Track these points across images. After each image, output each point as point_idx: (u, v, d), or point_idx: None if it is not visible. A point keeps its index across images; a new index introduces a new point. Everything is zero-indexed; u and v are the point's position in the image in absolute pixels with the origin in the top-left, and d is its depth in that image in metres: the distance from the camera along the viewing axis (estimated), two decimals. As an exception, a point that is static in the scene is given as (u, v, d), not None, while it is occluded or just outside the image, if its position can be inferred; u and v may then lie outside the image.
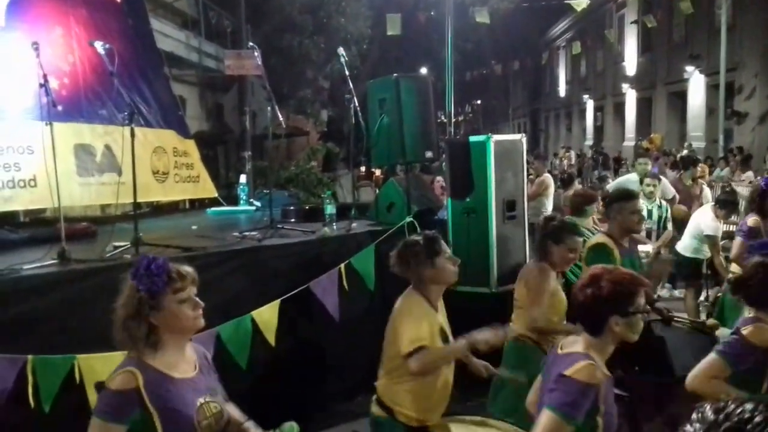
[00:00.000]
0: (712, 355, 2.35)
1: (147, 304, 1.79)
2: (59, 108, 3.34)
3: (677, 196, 6.34)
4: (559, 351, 2.03)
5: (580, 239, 3.28)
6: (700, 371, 2.34)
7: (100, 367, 2.64)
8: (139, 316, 1.79)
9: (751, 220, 4.13)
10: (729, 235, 5.97)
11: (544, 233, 3.21)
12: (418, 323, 2.53)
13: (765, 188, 4.12)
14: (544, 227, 3.26)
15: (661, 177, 6.43)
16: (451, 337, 2.68)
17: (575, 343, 2.01)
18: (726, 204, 5.44)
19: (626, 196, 3.51)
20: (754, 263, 2.46)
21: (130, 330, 1.79)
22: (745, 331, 2.34)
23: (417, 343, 2.48)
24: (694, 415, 0.96)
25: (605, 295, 1.95)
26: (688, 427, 0.96)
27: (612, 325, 1.94)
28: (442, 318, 2.70)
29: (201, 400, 1.84)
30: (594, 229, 4.65)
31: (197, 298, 1.87)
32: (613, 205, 3.42)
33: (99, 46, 3.66)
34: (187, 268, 1.88)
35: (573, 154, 23.77)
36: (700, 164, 9.07)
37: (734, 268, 4.19)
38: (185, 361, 1.89)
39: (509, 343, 3.12)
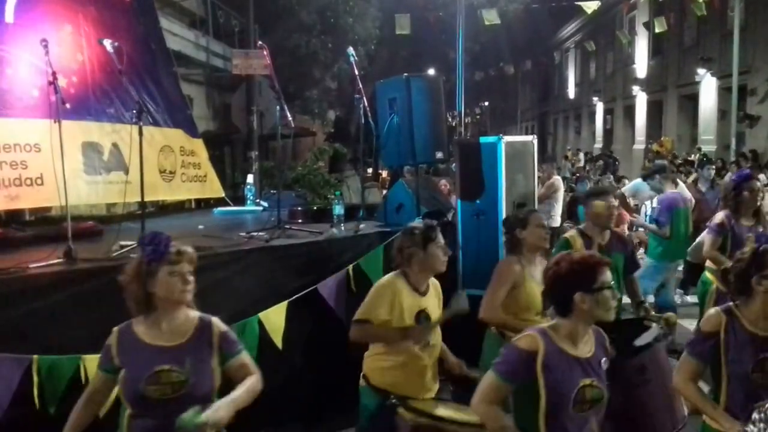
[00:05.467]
0: (683, 354, 2.34)
1: (145, 271, 2.01)
2: (67, 106, 3.31)
3: (693, 200, 6.20)
4: None
5: (541, 214, 3.46)
6: (678, 371, 2.33)
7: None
8: (137, 280, 2.03)
9: (720, 216, 4.10)
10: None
11: (509, 227, 3.29)
12: (378, 300, 2.77)
13: (737, 184, 4.06)
14: (507, 222, 3.37)
15: (678, 181, 6.31)
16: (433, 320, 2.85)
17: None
18: None
19: (598, 192, 3.69)
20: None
21: (129, 292, 2.04)
22: (702, 324, 2.32)
23: (363, 316, 2.77)
24: (755, 415, 0.94)
25: (565, 274, 2.00)
26: (751, 427, 0.94)
27: (578, 303, 1.97)
28: (430, 301, 2.86)
29: (163, 366, 1.97)
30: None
31: (190, 277, 2.06)
32: (586, 202, 3.59)
33: (108, 44, 3.64)
34: (188, 248, 2.09)
35: (582, 156, 23.61)
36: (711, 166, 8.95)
37: (710, 264, 4.17)
38: (173, 331, 2.05)
39: (487, 338, 3.22)
